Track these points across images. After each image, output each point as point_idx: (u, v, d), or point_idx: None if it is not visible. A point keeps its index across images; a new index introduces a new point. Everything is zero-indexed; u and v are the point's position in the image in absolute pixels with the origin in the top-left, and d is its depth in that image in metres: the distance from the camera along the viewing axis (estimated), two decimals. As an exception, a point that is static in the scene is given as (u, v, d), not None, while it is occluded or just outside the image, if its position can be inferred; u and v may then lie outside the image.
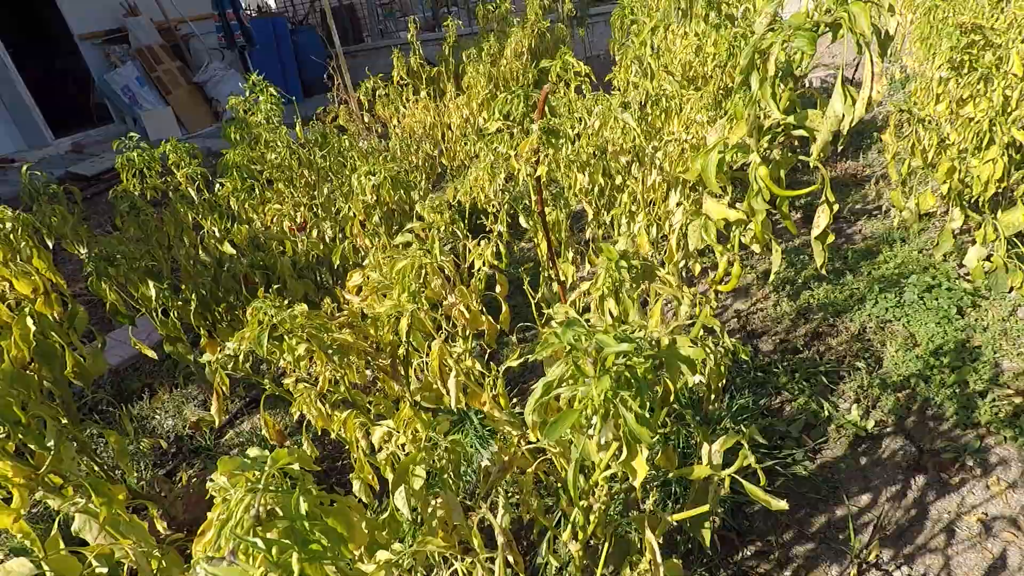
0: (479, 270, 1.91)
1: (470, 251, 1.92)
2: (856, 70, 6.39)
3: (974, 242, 2.77)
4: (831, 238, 1.53)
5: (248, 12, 11.72)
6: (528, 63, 4.16)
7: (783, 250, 3.56)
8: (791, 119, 1.22)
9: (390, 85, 4.11)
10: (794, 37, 1.10)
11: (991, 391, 2.34)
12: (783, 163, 1.36)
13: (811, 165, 1.23)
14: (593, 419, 0.86)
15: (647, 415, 0.85)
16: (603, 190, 2.20)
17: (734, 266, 1.50)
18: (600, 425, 0.82)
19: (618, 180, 2.15)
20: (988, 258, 2.77)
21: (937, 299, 2.82)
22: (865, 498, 2.08)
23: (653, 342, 1.08)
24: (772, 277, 2.06)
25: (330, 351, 1.20)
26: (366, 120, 4.14)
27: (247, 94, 2.58)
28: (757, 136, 1.24)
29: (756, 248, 1.58)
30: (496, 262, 1.84)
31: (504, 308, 1.90)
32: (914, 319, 2.77)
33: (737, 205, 1.51)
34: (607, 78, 3.44)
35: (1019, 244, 2.73)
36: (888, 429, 2.32)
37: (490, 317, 1.83)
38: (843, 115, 1.12)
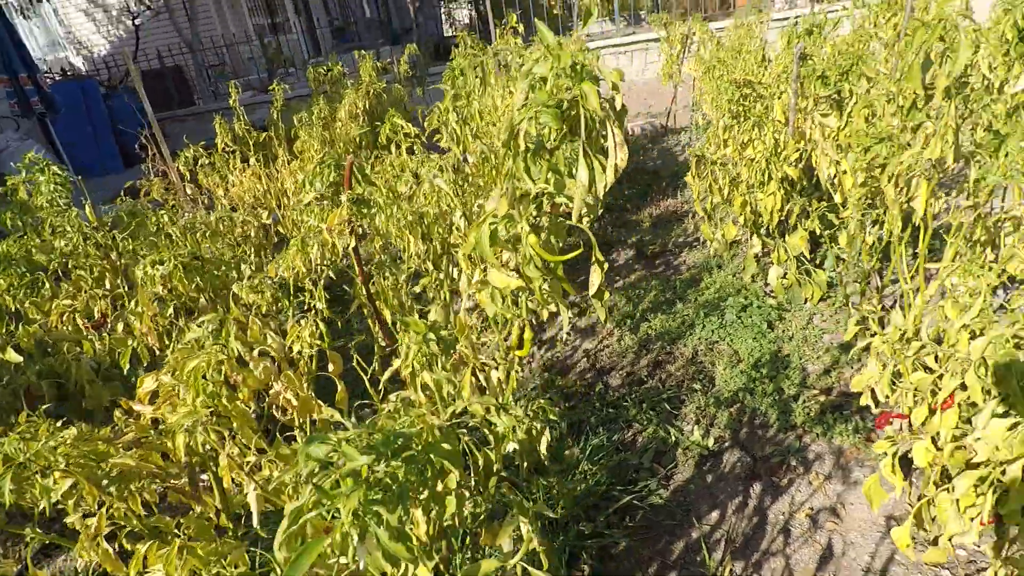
0: (301, 352, 1.80)
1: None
2: (668, 118, 7.19)
3: (772, 264, 3.16)
4: (605, 292, 1.63)
5: (50, 76, 10.57)
6: (364, 124, 4.15)
7: (622, 287, 3.80)
8: (551, 188, 1.29)
9: (215, 153, 3.86)
10: (540, 114, 1.17)
11: (802, 394, 2.63)
12: (552, 229, 1.43)
13: (577, 225, 1.30)
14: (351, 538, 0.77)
15: (408, 528, 0.78)
16: (432, 253, 2.20)
17: (525, 331, 1.54)
18: (352, 551, 0.73)
19: (436, 245, 2.17)
20: (785, 276, 3.16)
21: (752, 316, 3.15)
22: (715, 515, 2.21)
23: (437, 427, 1.05)
24: (562, 336, 2.16)
25: (105, 482, 1.03)
26: (189, 192, 3.83)
27: (23, 173, 2.26)
28: (520, 206, 1.30)
29: (544, 314, 1.64)
30: (319, 342, 1.74)
31: (339, 388, 1.80)
32: (735, 337, 3.07)
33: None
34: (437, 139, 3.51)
35: (807, 262, 3.15)
36: (727, 444, 2.50)
37: (320, 402, 1.72)
38: (590, 183, 1.21)
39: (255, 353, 1.73)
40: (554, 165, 1.27)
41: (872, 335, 1.69)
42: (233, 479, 1.46)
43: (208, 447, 1.29)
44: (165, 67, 10.66)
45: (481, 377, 1.76)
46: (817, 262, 3.37)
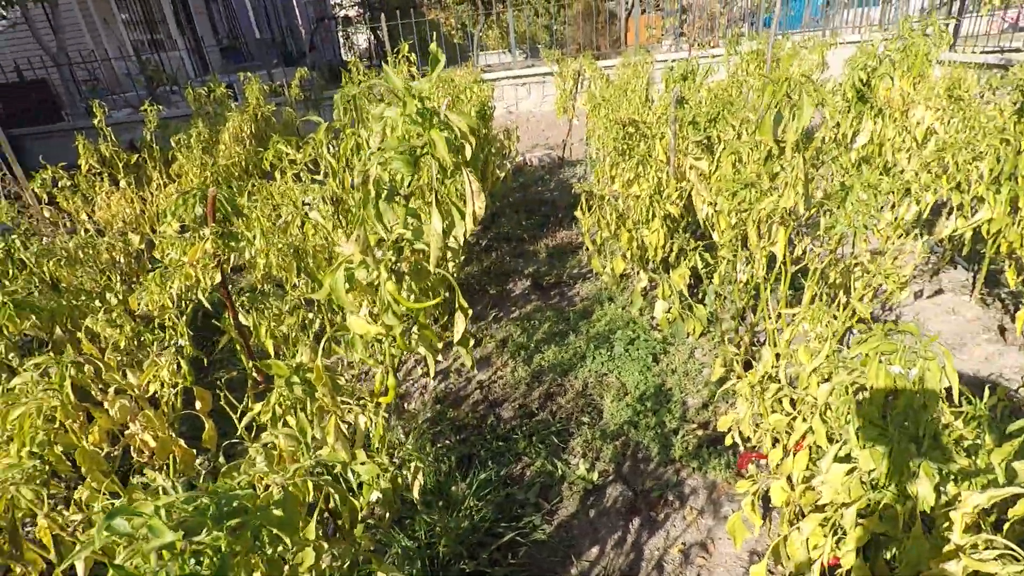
0: (161, 390, 1.63)
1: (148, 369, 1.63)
2: (564, 150, 7.42)
3: (658, 298, 3.28)
4: (469, 339, 1.60)
5: None
6: (251, 149, 3.91)
7: (517, 317, 3.81)
8: (408, 234, 1.26)
9: (78, 174, 3.47)
10: (391, 161, 1.14)
11: (681, 428, 2.73)
12: (414, 276, 1.39)
13: (435, 271, 1.27)
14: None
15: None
16: (311, 287, 2.08)
17: (389, 377, 1.48)
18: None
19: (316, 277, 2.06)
20: (669, 310, 3.29)
21: (639, 349, 3.25)
22: (595, 551, 2.21)
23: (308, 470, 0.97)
24: (431, 385, 2.13)
25: None
26: (48, 215, 3.40)
27: None
28: (378, 252, 1.25)
29: (439, 345, 1.59)
30: (180, 380, 1.58)
31: (208, 426, 1.63)
32: (623, 370, 3.15)
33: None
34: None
35: (689, 298, 3.30)
36: (610, 477, 2.54)
37: (181, 443, 1.55)
38: (447, 230, 1.19)
39: (111, 392, 1.54)
40: (412, 210, 1.23)
41: (737, 377, 1.77)
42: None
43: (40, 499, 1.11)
44: (25, 81, 9.70)
45: (351, 420, 1.67)
46: (699, 297, 3.55)
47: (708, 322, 3.29)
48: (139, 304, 2.00)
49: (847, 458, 1.27)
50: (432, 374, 1.67)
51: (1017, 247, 2.62)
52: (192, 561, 0.81)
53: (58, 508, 1.39)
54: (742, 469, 2.25)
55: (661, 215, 3.02)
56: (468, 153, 1.16)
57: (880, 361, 1.14)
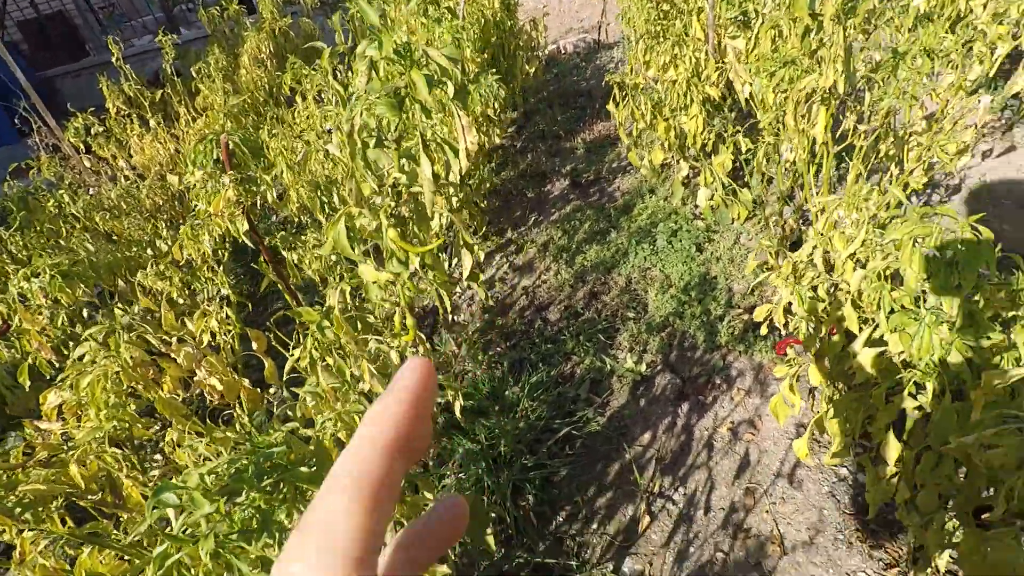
0: (215, 337, 1.77)
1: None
2: (600, 32, 6.97)
3: (700, 186, 3.20)
4: (479, 274, 1.63)
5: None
6: (272, 70, 3.86)
7: (557, 219, 3.81)
8: (404, 179, 1.26)
9: (108, 118, 3.55)
10: (376, 105, 1.12)
11: (727, 314, 2.76)
12: (417, 218, 1.39)
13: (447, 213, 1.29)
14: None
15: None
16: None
17: (408, 318, 1.53)
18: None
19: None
20: (712, 197, 3.21)
21: (682, 241, 3.23)
22: (647, 436, 2.36)
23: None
24: (478, 296, 2.18)
25: (18, 510, 1.02)
26: (88, 164, 3.53)
27: None
28: (370, 204, 1.26)
29: (467, 261, 1.62)
30: (230, 327, 1.72)
31: (267, 364, 1.79)
32: (667, 262, 3.15)
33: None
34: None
35: (734, 183, 3.20)
36: (658, 368, 2.64)
37: (246, 383, 1.72)
38: (443, 172, 1.18)
39: (175, 342, 1.70)
40: (407, 151, 1.23)
41: (768, 269, 1.77)
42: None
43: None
44: (42, 14, 9.55)
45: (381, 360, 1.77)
46: (743, 182, 3.43)
47: (753, 205, 3.21)
48: (182, 255, 2.13)
49: (880, 341, 1.29)
50: (448, 312, 1.72)
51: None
52: (239, 517, 0.91)
53: (147, 458, 1.57)
54: (779, 355, 2.29)
55: (699, 99, 2.87)
56: (451, 91, 1.13)
57: (915, 245, 1.12)
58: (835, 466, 1.99)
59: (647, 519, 2.05)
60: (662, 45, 2.97)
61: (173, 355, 1.66)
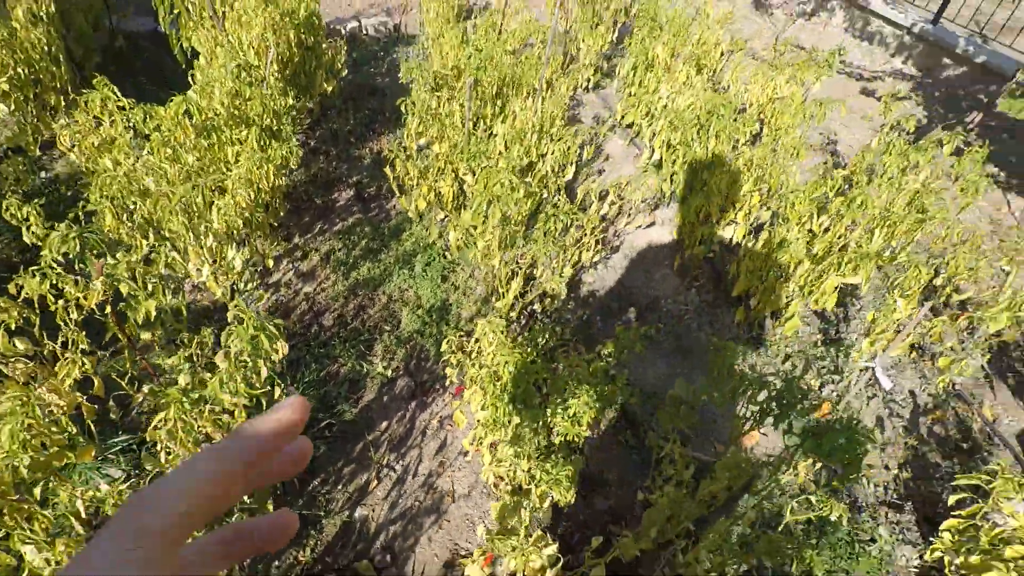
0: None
1: None
2: (401, 16, 7.50)
3: (451, 230, 4.28)
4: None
5: None
6: (60, 26, 3.73)
7: (340, 231, 4.59)
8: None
9: None
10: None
11: (447, 334, 3.93)
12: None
13: None
14: None
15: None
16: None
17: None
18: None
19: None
20: (458, 240, 4.32)
21: (433, 270, 4.30)
22: (384, 424, 3.44)
23: None
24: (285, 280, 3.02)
25: None
26: None
27: None
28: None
29: (269, 263, 2.46)
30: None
31: (97, 382, 2.42)
32: (420, 286, 4.21)
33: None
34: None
35: (474, 231, 4.34)
36: (400, 373, 3.72)
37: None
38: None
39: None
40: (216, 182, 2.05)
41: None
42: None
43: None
44: None
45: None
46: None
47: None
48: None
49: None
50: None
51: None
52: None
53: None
54: (456, 395, 3.53)
55: (451, 172, 3.90)
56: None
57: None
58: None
59: (375, 482, 3.15)
60: (433, 125, 3.90)
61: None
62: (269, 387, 1.95)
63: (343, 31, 7.36)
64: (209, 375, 1.92)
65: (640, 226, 4.97)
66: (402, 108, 3.88)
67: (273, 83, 3.59)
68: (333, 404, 3.46)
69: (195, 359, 2.13)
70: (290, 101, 3.69)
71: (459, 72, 4.04)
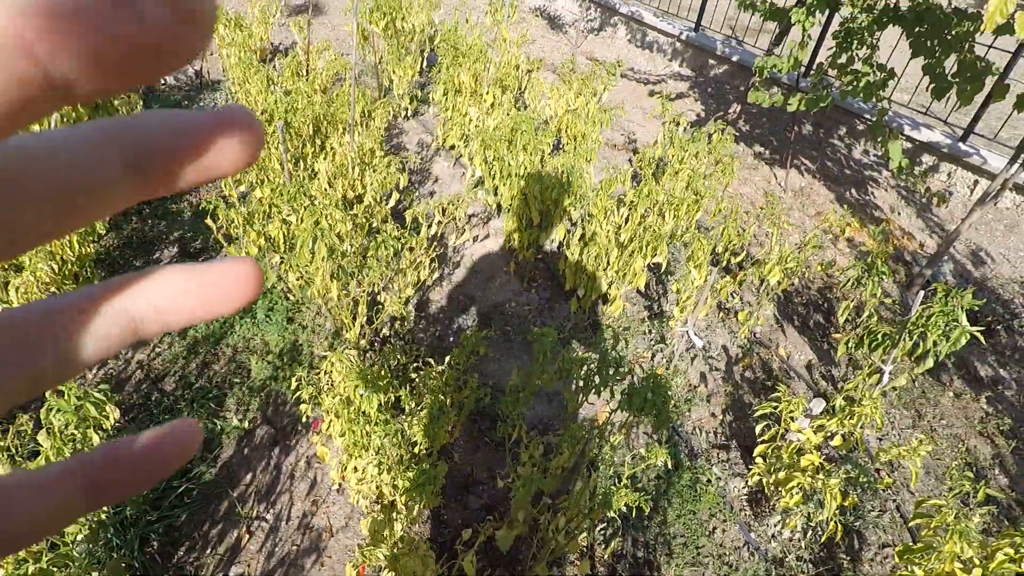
0: None
1: None
2: (203, 61, 7.20)
3: (289, 270, 4.25)
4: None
5: None
6: None
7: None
8: None
9: None
10: None
11: (308, 373, 3.93)
12: None
13: None
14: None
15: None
16: None
17: None
18: None
19: None
20: (299, 279, 4.30)
21: (277, 314, 4.25)
22: (248, 476, 3.36)
23: None
24: (89, 376, 2.90)
25: None
26: None
27: None
28: None
29: None
30: None
31: None
32: (266, 332, 4.14)
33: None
34: None
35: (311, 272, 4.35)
36: (258, 423, 3.64)
37: None
38: None
39: None
40: None
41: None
42: None
43: None
44: None
45: None
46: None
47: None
48: None
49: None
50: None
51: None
52: None
53: None
54: (315, 429, 3.58)
55: (279, 216, 3.90)
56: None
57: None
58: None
59: (247, 536, 3.09)
60: (251, 170, 3.88)
61: None
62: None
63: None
64: (32, 462, 1.83)
65: (477, 238, 5.29)
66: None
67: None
68: (188, 469, 3.32)
69: (15, 449, 2.00)
70: (86, 163, 3.48)
71: (270, 116, 4.06)
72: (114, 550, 2.89)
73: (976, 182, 6.50)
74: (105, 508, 3.32)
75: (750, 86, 6.50)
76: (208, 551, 3.01)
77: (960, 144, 6.50)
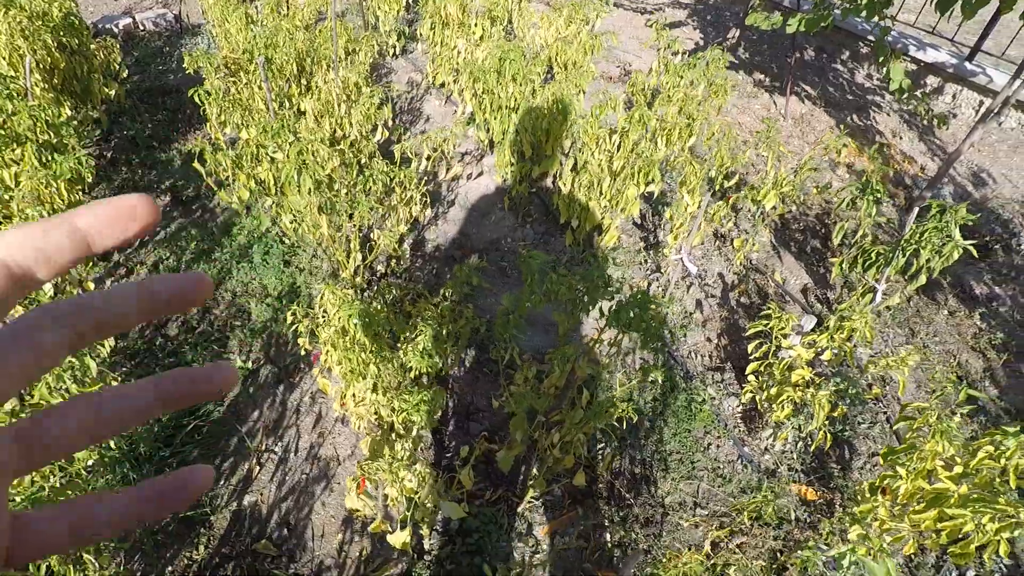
0: None
1: None
2: (180, 7, 6.98)
3: (283, 212, 4.25)
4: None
5: None
6: None
7: (163, 239, 4.37)
8: None
9: None
10: None
11: (308, 313, 3.98)
12: None
13: None
14: None
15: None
16: None
17: None
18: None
19: None
20: (292, 221, 4.30)
21: (274, 258, 4.27)
22: (256, 413, 3.46)
23: None
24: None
25: None
26: None
27: None
28: None
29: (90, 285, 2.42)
30: None
31: None
32: (264, 276, 4.18)
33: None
34: None
35: (310, 212, 4.34)
36: (262, 362, 3.72)
37: None
38: None
39: None
40: None
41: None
42: None
43: None
44: None
45: None
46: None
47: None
48: None
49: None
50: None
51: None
52: None
53: None
54: (315, 362, 3.64)
55: (268, 158, 3.87)
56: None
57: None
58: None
59: (257, 468, 3.20)
60: (235, 112, 3.83)
61: None
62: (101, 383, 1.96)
63: (115, 29, 6.75)
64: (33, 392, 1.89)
65: (471, 176, 5.24)
66: (196, 99, 3.75)
67: (40, 93, 3.29)
68: (197, 408, 3.41)
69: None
70: (66, 111, 3.43)
71: (251, 55, 3.96)
72: (131, 484, 3.01)
73: (981, 103, 6.33)
74: (122, 445, 3.44)
75: (749, 10, 6.27)
76: (221, 483, 3.13)
77: (966, 64, 6.30)
